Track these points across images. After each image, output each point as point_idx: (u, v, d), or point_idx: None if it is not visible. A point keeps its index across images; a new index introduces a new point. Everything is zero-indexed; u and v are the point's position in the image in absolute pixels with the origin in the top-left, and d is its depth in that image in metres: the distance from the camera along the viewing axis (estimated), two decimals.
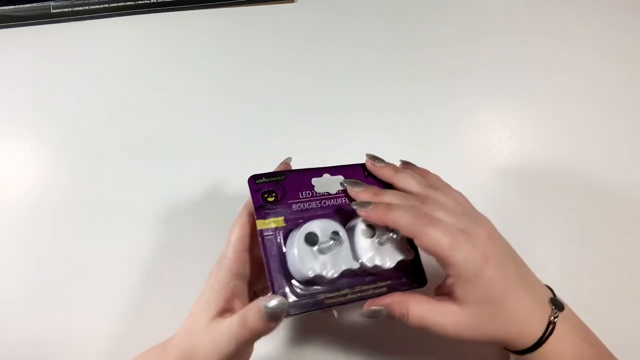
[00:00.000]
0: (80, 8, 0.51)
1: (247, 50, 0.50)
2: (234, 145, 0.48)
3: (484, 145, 0.47)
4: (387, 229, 0.30)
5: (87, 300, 0.44)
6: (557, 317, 0.31)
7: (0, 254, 0.44)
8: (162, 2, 0.51)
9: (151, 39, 0.51)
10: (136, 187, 0.46)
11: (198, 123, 0.48)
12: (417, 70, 0.50)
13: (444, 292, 0.32)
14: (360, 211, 0.31)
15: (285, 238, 0.30)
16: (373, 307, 0.31)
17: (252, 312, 0.28)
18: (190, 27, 0.51)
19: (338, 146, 0.48)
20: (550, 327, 0.30)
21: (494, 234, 0.32)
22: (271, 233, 0.30)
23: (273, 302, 0.27)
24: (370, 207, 0.30)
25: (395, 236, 0.30)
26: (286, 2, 0.51)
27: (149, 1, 0.51)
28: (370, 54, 0.50)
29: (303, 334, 0.41)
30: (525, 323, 0.31)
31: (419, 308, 0.31)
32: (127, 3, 0.51)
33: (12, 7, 0.51)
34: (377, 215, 0.30)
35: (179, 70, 0.50)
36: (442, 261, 0.30)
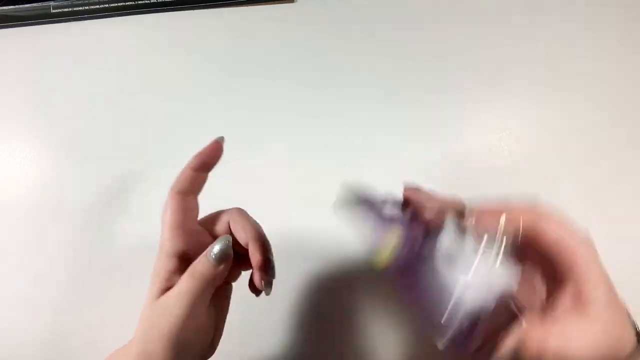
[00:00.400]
0: (80, 8, 0.51)
1: (247, 50, 0.50)
2: (234, 145, 0.48)
3: (483, 145, 0.47)
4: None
5: (87, 300, 0.44)
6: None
7: (0, 253, 0.45)
8: (162, 2, 0.51)
9: (151, 39, 0.51)
10: (137, 187, 0.46)
11: (198, 122, 0.48)
12: (417, 70, 0.50)
13: (551, 307, 0.27)
14: (469, 216, 0.26)
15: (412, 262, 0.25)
16: (508, 347, 0.25)
17: (200, 262, 0.28)
18: (190, 27, 0.51)
19: (339, 144, 0.48)
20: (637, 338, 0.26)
21: None
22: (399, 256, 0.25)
23: (217, 247, 0.28)
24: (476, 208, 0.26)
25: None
26: (286, 2, 0.51)
27: (149, 1, 0.51)
28: (371, 54, 0.50)
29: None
30: (624, 329, 0.26)
31: (554, 340, 0.25)
32: (127, 3, 0.51)
33: (12, 7, 0.51)
34: (488, 217, 0.26)
35: (179, 70, 0.50)
36: (567, 258, 0.25)
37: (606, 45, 0.50)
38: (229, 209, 0.33)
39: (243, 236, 0.31)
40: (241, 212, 0.32)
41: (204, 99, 0.49)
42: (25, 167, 0.47)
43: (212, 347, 0.33)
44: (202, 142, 0.47)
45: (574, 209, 0.44)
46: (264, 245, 0.31)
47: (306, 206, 0.45)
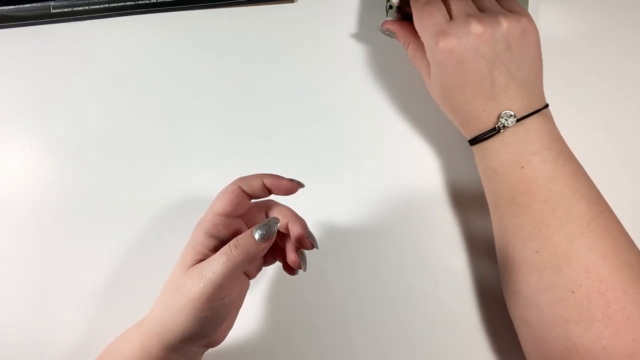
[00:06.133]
0: (80, 8, 0.51)
1: (247, 51, 0.50)
2: (234, 145, 0.48)
3: None
4: None
5: (88, 301, 0.44)
6: (503, 126, 0.35)
7: (1, 254, 0.45)
8: (162, 2, 0.51)
9: (151, 39, 0.51)
10: (137, 188, 0.46)
11: (198, 123, 0.48)
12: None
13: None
14: None
15: None
16: (387, 27, 0.44)
17: (245, 236, 0.30)
18: (190, 27, 0.51)
19: (341, 144, 0.48)
20: (491, 133, 0.36)
21: (498, 31, 0.35)
22: None
23: (263, 225, 0.30)
24: None
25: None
26: (286, 2, 0.51)
27: (149, 1, 0.51)
28: (371, 54, 0.50)
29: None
30: (470, 117, 0.37)
31: (413, 49, 0.41)
32: (127, 3, 0.51)
33: (12, 7, 0.51)
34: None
35: (179, 70, 0.50)
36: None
37: (610, 41, 0.50)
38: (263, 201, 0.35)
39: (283, 220, 0.33)
40: (277, 202, 0.35)
41: (204, 99, 0.49)
42: (25, 167, 0.47)
43: (221, 335, 0.34)
44: (202, 142, 0.47)
45: None
46: (304, 222, 0.34)
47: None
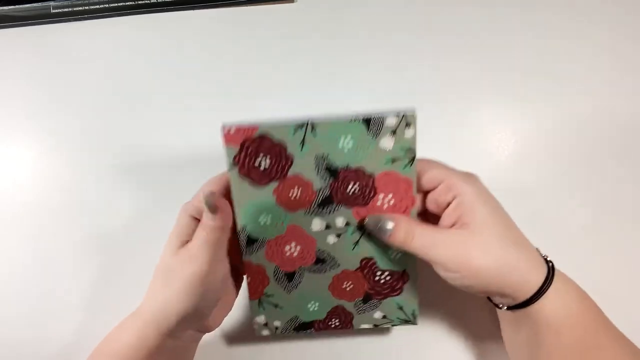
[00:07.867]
0: (80, 8, 0.51)
1: (247, 51, 0.50)
2: None
3: (483, 146, 0.47)
4: None
5: (88, 301, 0.44)
6: (553, 271, 0.30)
7: (1, 254, 0.45)
8: (162, 2, 0.51)
9: (151, 39, 0.51)
10: (137, 187, 0.46)
11: (197, 123, 0.48)
12: (417, 70, 0.50)
13: (445, 224, 0.32)
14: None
15: None
16: (379, 217, 0.32)
17: (203, 216, 0.31)
18: (190, 27, 0.51)
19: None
20: (550, 274, 0.30)
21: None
22: None
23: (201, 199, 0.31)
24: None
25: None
26: (286, 2, 0.51)
27: (149, 1, 0.51)
28: (370, 54, 0.50)
29: None
30: (527, 268, 0.30)
31: (419, 239, 0.31)
32: (127, 3, 0.51)
33: (12, 7, 0.51)
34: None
35: (179, 70, 0.50)
36: (451, 192, 0.31)
37: (607, 44, 0.50)
38: None
39: None
40: None
41: (204, 99, 0.49)
42: (25, 167, 0.47)
43: (216, 319, 0.35)
44: (201, 141, 0.47)
45: (576, 208, 0.44)
46: None
47: None
